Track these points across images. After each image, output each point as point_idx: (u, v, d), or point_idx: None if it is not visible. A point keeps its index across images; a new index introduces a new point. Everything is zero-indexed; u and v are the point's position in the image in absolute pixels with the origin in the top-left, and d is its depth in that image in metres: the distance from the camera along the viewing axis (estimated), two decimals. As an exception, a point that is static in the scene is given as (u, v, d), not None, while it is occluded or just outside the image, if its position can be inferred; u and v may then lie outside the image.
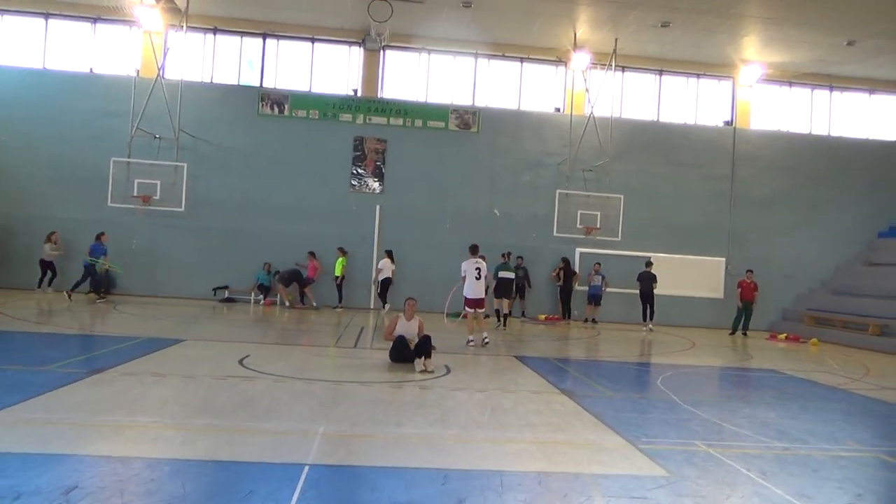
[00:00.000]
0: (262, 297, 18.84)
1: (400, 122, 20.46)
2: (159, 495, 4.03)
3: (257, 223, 19.60)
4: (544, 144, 20.83)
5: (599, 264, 19.76)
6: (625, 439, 6.00)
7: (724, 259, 21.11)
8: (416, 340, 9.30)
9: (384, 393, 7.47)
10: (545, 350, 13.07)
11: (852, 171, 21.75)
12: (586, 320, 19.51)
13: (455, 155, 20.50)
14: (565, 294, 19.45)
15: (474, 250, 12.45)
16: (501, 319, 16.36)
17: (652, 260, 19.19)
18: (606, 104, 20.44)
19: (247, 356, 9.43)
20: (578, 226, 19.79)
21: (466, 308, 12.40)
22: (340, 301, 18.86)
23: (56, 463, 4.47)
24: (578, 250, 20.35)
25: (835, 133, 22.28)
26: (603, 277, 19.54)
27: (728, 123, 21.82)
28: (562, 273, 19.47)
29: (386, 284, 18.58)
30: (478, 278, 11.95)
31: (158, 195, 18.55)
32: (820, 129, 22.26)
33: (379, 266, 18.79)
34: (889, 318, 17.24)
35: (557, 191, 19.83)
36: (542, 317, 19.45)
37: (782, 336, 18.39)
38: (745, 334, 18.71)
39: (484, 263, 12.26)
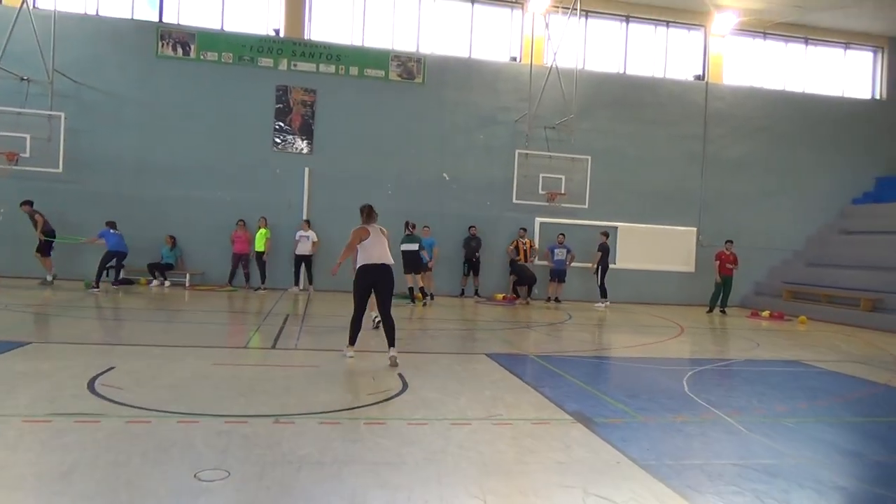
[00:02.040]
0: (162, 277, 15.60)
1: (331, 69, 17.30)
2: None
3: (158, 189, 16.23)
4: (499, 98, 18.11)
5: (564, 235, 17.36)
6: (728, 530, 3.47)
7: (695, 229, 19.11)
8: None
9: (308, 440, 4.67)
10: (519, 343, 10.51)
11: (825, 131, 20.02)
12: (549, 299, 17.15)
13: (397, 109, 17.55)
14: (521, 270, 16.92)
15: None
16: (420, 296, 14.64)
17: (608, 231, 17.24)
18: (568, 54, 17.87)
19: (109, 370, 6.44)
20: (541, 191, 17.23)
21: None
22: (263, 281, 15.85)
23: None
24: (538, 220, 17.89)
25: (808, 90, 20.46)
26: (568, 251, 17.16)
27: (699, 78, 19.65)
28: (521, 246, 16.99)
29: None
30: None
31: (28, 152, 14.92)
32: (793, 86, 20.41)
33: (314, 239, 16.01)
34: (882, 291, 15.56)
35: (516, 151, 17.17)
36: (500, 296, 16.93)
37: (765, 313, 16.50)
38: (723, 312, 16.80)
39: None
